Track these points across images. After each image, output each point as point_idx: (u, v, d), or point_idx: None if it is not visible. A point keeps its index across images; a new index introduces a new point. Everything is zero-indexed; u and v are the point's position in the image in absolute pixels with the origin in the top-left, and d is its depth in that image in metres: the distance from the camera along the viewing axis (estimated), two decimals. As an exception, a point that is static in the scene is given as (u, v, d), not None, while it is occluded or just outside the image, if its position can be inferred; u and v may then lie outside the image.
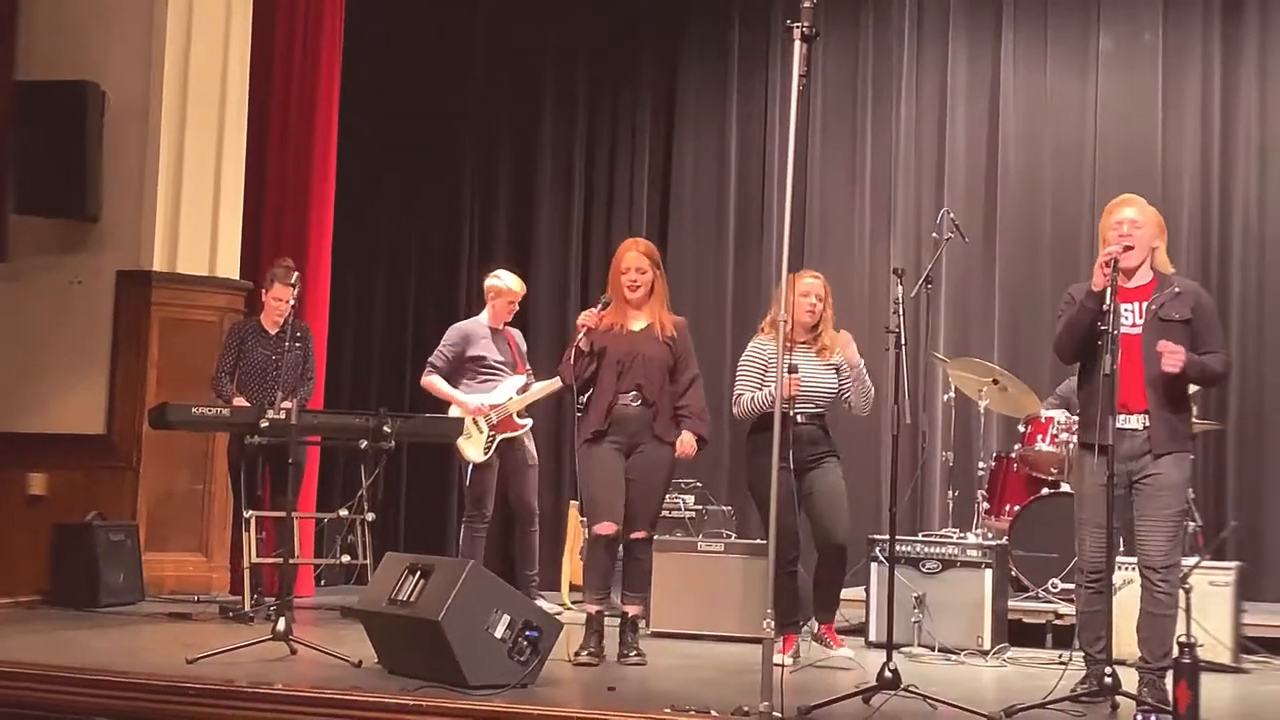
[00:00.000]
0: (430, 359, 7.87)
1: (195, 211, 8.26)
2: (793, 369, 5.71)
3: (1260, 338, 9.12)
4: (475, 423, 7.62)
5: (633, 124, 10.42)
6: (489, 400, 7.64)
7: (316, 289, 8.50)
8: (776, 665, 5.02)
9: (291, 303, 7.18)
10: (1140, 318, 5.50)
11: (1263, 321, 9.12)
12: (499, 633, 5.09)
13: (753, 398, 6.47)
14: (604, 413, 6.17)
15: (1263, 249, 9.16)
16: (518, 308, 8.03)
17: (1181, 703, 4.87)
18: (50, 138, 7.96)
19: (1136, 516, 5.52)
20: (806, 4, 4.87)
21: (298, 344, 7.48)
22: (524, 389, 7.79)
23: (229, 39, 8.45)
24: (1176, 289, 5.56)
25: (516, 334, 8.09)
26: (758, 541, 6.94)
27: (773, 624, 4.52)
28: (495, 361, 7.75)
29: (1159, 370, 5.38)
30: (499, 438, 7.62)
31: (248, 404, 7.43)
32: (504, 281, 7.89)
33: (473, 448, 7.63)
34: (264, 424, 6.88)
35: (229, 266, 8.37)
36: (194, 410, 7.31)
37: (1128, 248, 5.47)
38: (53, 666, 5.15)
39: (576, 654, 5.86)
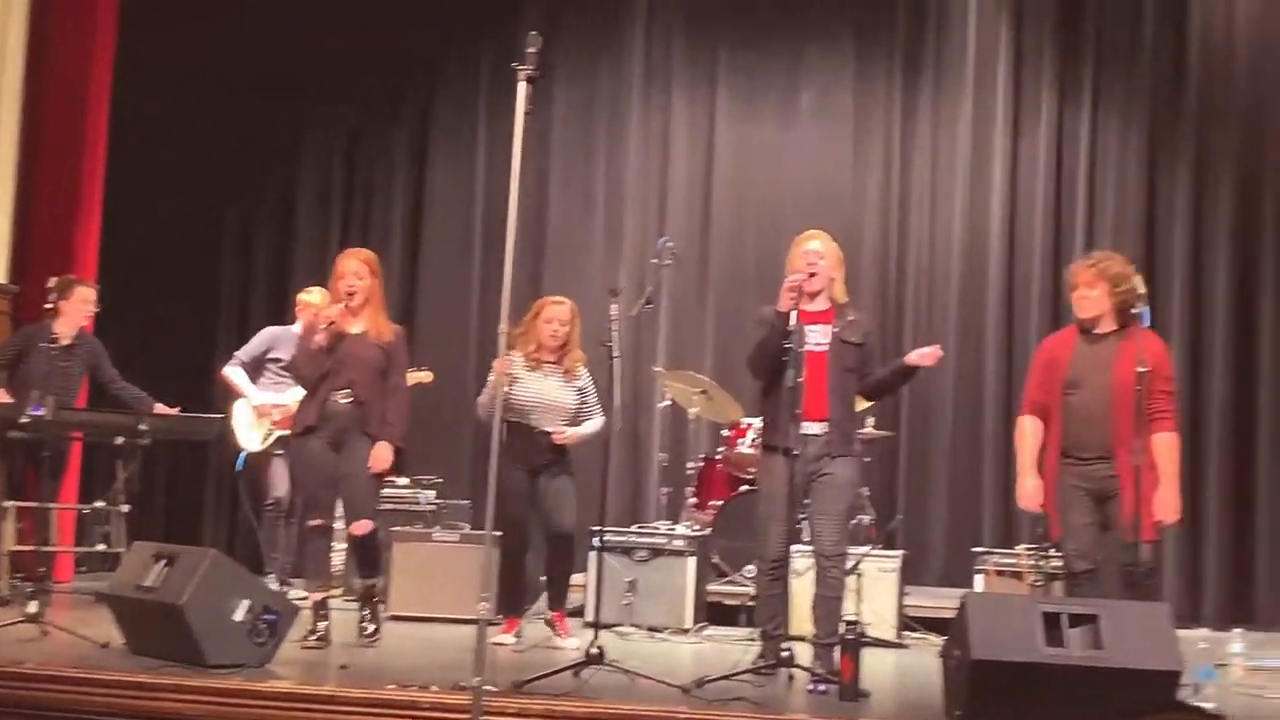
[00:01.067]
0: (237, 352, 7.83)
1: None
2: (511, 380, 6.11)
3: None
4: (259, 417, 7.65)
5: (389, 156, 10.31)
6: (277, 400, 7.60)
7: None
8: (497, 645, 5.23)
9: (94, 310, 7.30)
10: (825, 338, 5.68)
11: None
12: (238, 616, 5.05)
13: (481, 401, 6.55)
14: (317, 409, 6.04)
15: (932, 280, 9.58)
16: None
17: (846, 673, 5.04)
18: None
19: (813, 510, 5.71)
20: (531, 49, 4.81)
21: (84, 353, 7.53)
22: None
23: (5, 51, 8.25)
24: (851, 316, 5.78)
25: None
26: (491, 533, 7.00)
27: (489, 606, 4.50)
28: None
29: (839, 383, 5.68)
30: (276, 433, 7.59)
31: (12, 400, 7.22)
32: (314, 297, 7.77)
33: (251, 434, 7.64)
34: (24, 420, 6.63)
35: (-2, 270, 8.17)
36: (-49, 406, 7.14)
37: (812, 274, 5.66)
38: None
39: (305, 638, 5.73)
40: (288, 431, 7.47)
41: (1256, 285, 8.87)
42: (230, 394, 7.79)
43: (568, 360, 6.60)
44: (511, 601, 6.51)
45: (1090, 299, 5.64)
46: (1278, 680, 6.05)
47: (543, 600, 6.79)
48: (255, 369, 7.73)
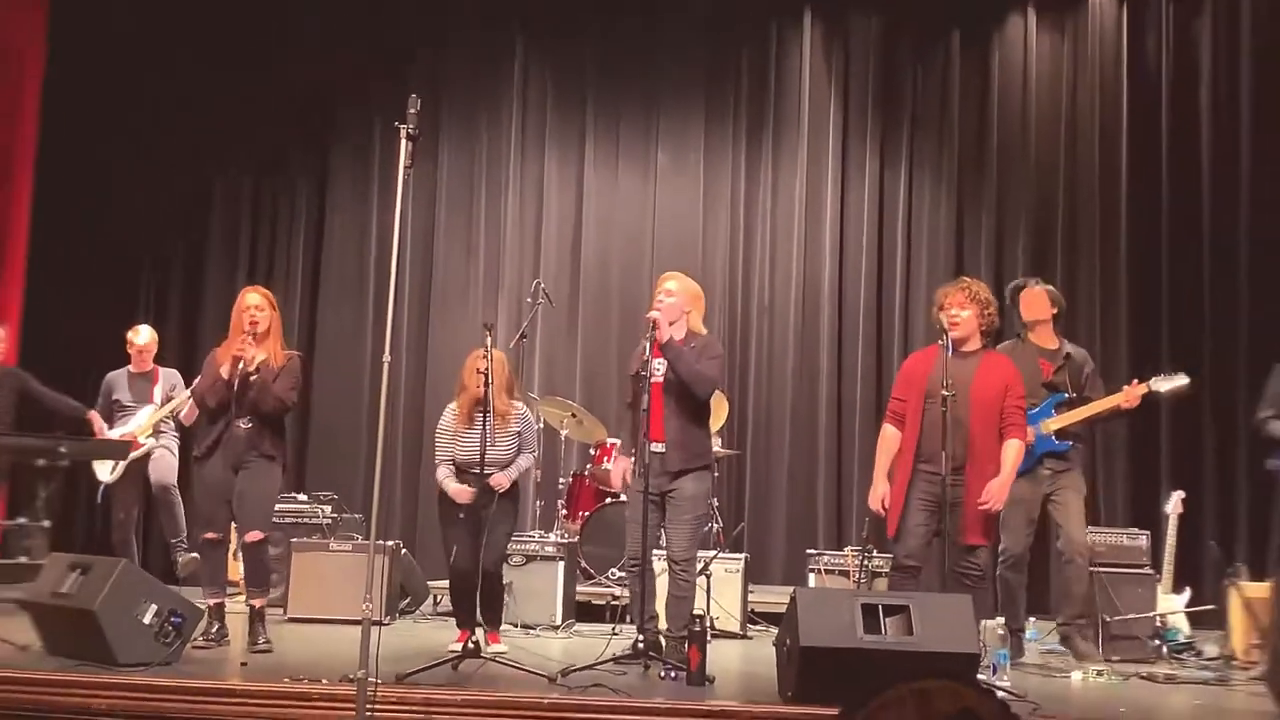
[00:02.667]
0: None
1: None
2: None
3: (769, 383, 9.57)
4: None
5: (291, 208, 10.18)
6: (124, 432, 7.56)
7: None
8: (451, 651, 5.28)
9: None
10: (662, 369, 5.66)
11: (771, 370, 9.58)
12: (147, 619, 5.01)
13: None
14: (218, 434, 5.91)
15: (773, 314, 9.67)
16: (152, 353, 7.91)
17: (693, 661, 5.11)
18: None
19: (666, 521, 5.71)
20: (412, 110, 4.75)
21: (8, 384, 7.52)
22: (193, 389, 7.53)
23: None
24: (693, 344, 5.75)
25: (166, 373, 7.89)
26: (381, 542, 6.86)
27: (371, 607, 4.35)
28: (128, 402, 7.65)
29: (677, 407, 5.65)
30: (121, 465, 7.54)
31: None
32: (141, 336, 7.83)
33: (103, 469, 7.56)
34: None
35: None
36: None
37: (657, 306, 5.71)
38: None
39: (196, 640, 5.54)
40: (138, 453, 7.55)
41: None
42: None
43: (497, 406, 6.19)
44: (461, 619, 6.32)
45: (962, 319, 5.64)
46: (1066, 661, 6.29)
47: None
48: (106, 415, 7.68)
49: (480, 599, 6.18)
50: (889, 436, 5.77)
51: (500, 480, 6.11)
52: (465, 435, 6.24)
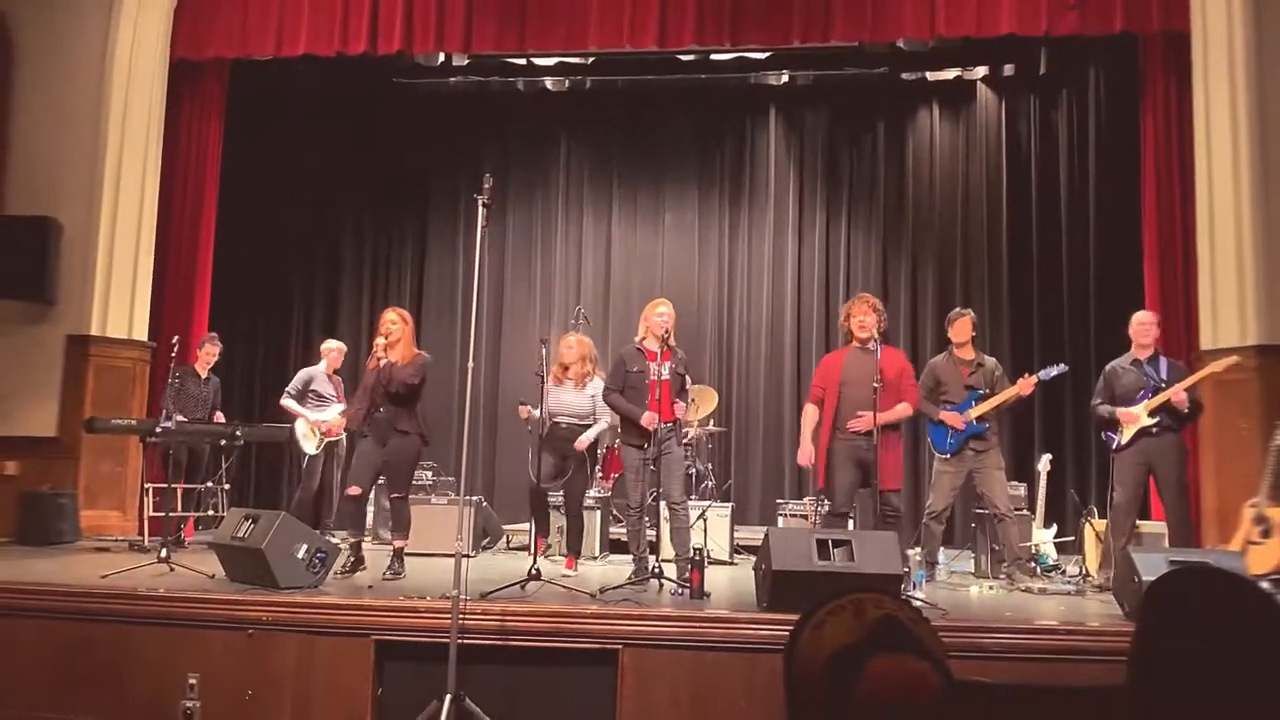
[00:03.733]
0: (287, 388, 7.49)
1: (119, 295, 7.80)
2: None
3: (747, 380, 9.57)
4: (312, 430, 7.32)
5: (401, 254, 10.20)
6: (322, 417, 7.37)
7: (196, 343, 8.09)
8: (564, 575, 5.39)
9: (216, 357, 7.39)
10: (666, 372, 5.74)
11: (748, 370, 9.59)
12: (299, 555, 5.03)
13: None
14: (364, 417, 5.80)
15: (749, 334, 9.67)
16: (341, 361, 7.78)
17: (694, 581, 5.12)
18: (23, 251, 7.47)
19: (663, 476, 5.65)
20: (486, 185, 4.75)
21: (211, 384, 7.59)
22: (344, 413, 7.34)
23: (145, 175, 7.96)
24: (680, 354, 5.86)
25: (339, 380, 7.76)
26: (470, 497, 6.71)
27: (462, 544, 4.37)
28: (326, 394, 7.44)
29: (673, 397, 5.69)
30: (326, 440, 7.38)
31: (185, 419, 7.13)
32: (333, 345, 7.70)
33: (309, 444, 7.36)
34: (158, 430, 6.60)
35: (140, 331, 7.95)
36: (111, 421, 7.06)
37: (667, 330, 5.75)
38: (11, 583, 4.92)
39: (336, 571, 5.44)
40: (333, 438, 7.40)
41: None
42: (286, 416, 7.50)
43: (581, 372, 6.57)
44: (571, 545, 6.49)
45: (867, 323, 5.72)
46: (968, 580, 6.27)
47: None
48: (300, 398, 7.43)
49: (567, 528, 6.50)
50: (811, 412, 5.84)
51: (582, 444, 6.37)
52: (553, 391, 6.48)
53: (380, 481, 6.37)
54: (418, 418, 5.81)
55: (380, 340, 5.82)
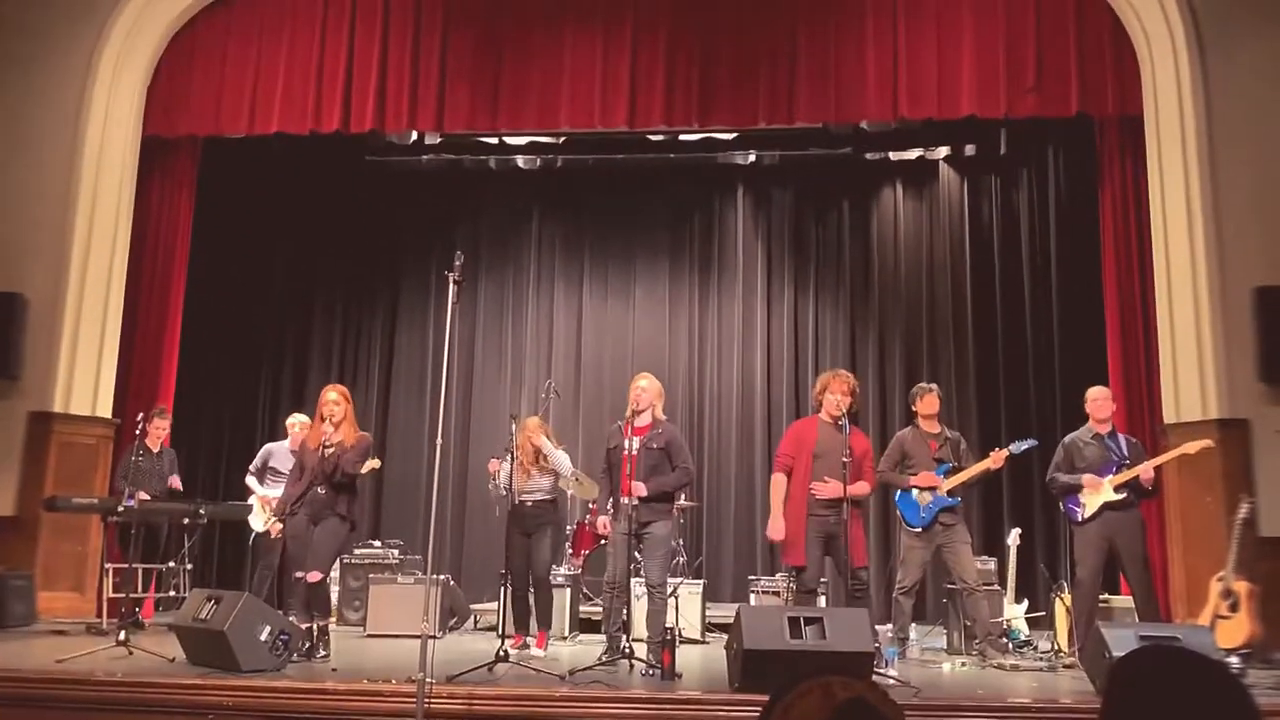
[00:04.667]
0: (250, 466, 7.51)
1: (84, 371, 7.70)
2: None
3: (719, 452, 9.57)
4: (262, 507, 7.26)
5: (371, 328, 10.22)
6: (273, 494, 7.30)
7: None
8: (529, 655, 5.29)
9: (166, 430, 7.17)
10: (637, 446, 5.71)
11: (720, 442, 9.58)
12: (263, 637, 4.96)
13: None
14: (299, 496, 5.72)
15: (720, 402, 9.69)
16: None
17: (665, 662, 5.08)
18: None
19: (643, 556, 5.68)
20: (457, 262, 4.81)
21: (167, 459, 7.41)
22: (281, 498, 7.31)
23: (114, 251, 7.93)
24: (659, 429, 5.79)
25: None
26: (437, 576, 6.70)
27: (428, 625, 4.34)
28: (284, 470, 7.20)
29: (649, 473, 5.64)
30: (274, 519, 7.35)
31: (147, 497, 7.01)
32: (298, 419, 7.55)
33: (256, 520, 7.30)
34: (120, 509, 6.52)
35: (105, 408, 7.84)
36: (72, 500, 6.95)
37: (636, 400, 5.77)
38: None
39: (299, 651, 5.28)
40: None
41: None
42: (247, 492, 7.49)
43: (540, 460, 6.51)
44: (541, 619, 6.37)
45: (842, 403, 5.77)
46: (940, 656, 6.23)
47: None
48: (260, 474, 7.41)
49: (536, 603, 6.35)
50: (780, 482, 5.82)
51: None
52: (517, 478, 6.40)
53: (347, 561, 6.26)
54: (354, 504, 5.80)
55: (328, 428, 5.74)
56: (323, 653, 5.55)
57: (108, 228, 7.96)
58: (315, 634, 5.59)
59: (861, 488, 5.79)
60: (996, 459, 6.07)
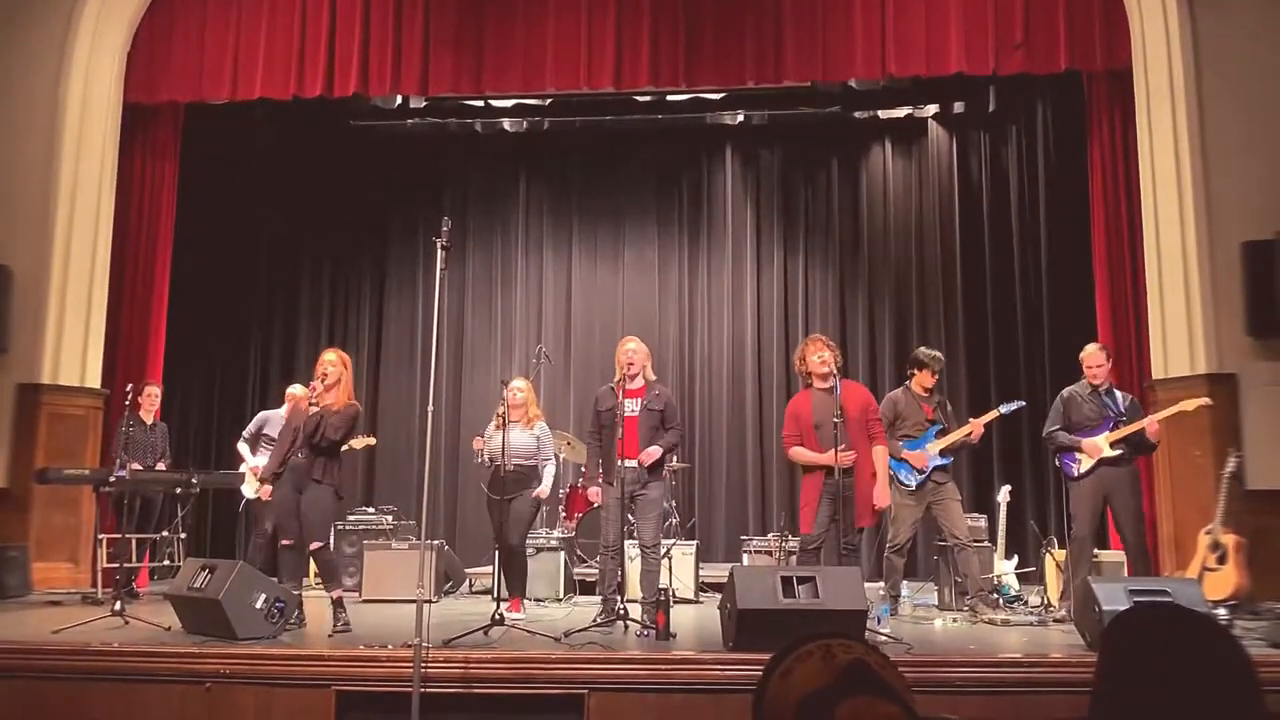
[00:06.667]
0: (243, 431, 7.41)
1: (71, 342, 7.64)
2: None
3: (710, 415, 9.57)
4: (253, 473, 7.18)
5: (359, 295, 10.14)
6: (263, 464, 7.31)
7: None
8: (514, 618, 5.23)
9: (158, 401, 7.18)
10: (636, 408, 5.69)
11: (710, 405, 9.58)
12: (258, 605, 4.96)
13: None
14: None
15: (710, 366, 9.68)
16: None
17: (660, 622, 5.12)
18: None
19: (636, 517, 5.70)
20: (444, 228, 4.78)
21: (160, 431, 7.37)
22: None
23: (98, 220, 7.83)
24: (656, 391, 5.75)
25: None
26: (431, 541, 6.64)
27: (423, 590, 4.34)
28: (275, 437, 7.31)
29: (647, 436, 5.62)
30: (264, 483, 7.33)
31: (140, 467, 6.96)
32: (297, 390, 7.53)
33: (248, 487, 7.25)
34: (112, 480, 6.47)
35: (93, 379, 7.77)
36: (64, 472, 6.92)
37: (630, 364, 5.72)
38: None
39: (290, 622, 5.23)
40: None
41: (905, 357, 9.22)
42: (238, 459, 7.43)
43: (527, 415, 6.47)
44: (513, 585, 6.23)
45: (826, 358, 5.71)
46: (932, 613, 6.29)
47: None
48: (253, 440, 7.30)
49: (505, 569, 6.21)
50: (803, 451, 5.70)
51: (542, 492, 6.29)
52: (495, 436, 6.30)
53: (341, 527, 6.24)
54: (334, 469, 5.53)
55: (317, 383, 5.56)
56: (340, 625, 5.31)
57: (91, 197, 7.86)
58: (332, 606, 5.44)
59: (879, 454, 5.74)
60: (976, 430, 6.14)
